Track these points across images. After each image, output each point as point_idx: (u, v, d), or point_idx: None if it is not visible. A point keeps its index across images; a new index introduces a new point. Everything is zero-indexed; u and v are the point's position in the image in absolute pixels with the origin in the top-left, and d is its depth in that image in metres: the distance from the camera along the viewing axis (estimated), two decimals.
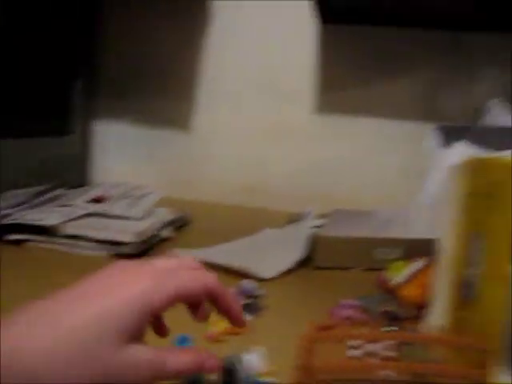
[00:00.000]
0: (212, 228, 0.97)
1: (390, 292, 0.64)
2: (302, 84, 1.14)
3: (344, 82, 1.13)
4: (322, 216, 0.89)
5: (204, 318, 0.34)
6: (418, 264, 0.64)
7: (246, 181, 1.18)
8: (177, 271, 0.32)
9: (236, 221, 1.06)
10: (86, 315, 0.28)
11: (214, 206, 1.16)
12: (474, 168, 0.49)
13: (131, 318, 0.28)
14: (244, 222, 1.05)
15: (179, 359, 0.31)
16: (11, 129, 0.94)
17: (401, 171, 1.10)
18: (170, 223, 0.90)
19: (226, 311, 0.34)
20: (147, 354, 0.29)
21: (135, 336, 0.29)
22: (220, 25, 1.16)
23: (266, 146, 1.17)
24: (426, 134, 0.98)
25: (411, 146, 1.09)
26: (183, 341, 0.44)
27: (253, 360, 0.37)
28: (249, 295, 0.57)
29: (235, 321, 0.35)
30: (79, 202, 0.86)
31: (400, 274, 0.64)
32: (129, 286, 0.29)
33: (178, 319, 0.36)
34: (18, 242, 0.77)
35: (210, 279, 0.33)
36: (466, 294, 0.47)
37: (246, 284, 0.58)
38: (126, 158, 1.23)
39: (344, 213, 0.77)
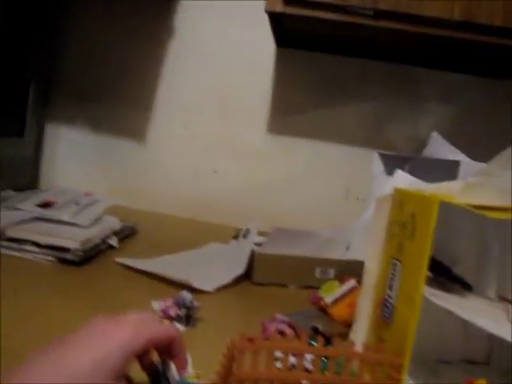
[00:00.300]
0: (159, 239, 0.99)
1: (322, 310, 0.68)
2: (256, 103, 1.19)
3: (295, 104, 1.18)
4: (264, 233, 0.93)
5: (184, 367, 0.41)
6: (348, 284, 0.68)
7: (195, 194, 1.21)
8: (149, 322, 0.39)
9: (183, 233, 1.08)
10: (84, 360, 0.33)
11: (163, 217, 1.18)
12: (397, 199, 0.54)
13: (121, 359, 0.34)
14: (191, 234, 1.07)
15: None
16: None
17: (344, 194, 1.16)
18: (117, 232, 0.91)
19: (176, 355, 0.40)
20: None
21: (122, 375, 0.35)
22: (181, 40, 1.19)
23: (218, 161, 1.21)
24: (370, 160, 1.04)
25: (355, 171, 1.15)
26: None
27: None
28: (185, 306, 0.60)
29: (181, 364, 0.41)
30: (27, 205, 0.86)
31: (332, 293, 0.68)
32: (114, 335, 0.36)
33: None
34: None
35: (174, 331, 0.41)
36: (384, 315, 0.52)
37: (183, 295, 0.60)
38: (77, 163, 1.23)
39: (284, 231, 0.81)
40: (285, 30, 1.02)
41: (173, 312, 0.60)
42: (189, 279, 0.71)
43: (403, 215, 0.51)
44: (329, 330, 0.60)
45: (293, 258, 0.79)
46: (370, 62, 1.15)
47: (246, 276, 0.80)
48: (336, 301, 0.67)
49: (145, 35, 1.19)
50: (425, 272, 0.46)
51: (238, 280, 0.78)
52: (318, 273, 0.79)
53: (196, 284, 0.71)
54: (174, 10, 1.18)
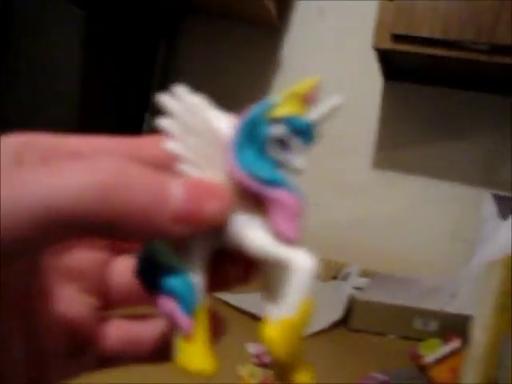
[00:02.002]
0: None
1: (421, 368, 0.65)
2: (361, 138, 1.16)
3: (402, 139, 1.14)
4: (365, 274, 0.90)
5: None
6: (452, 345, 0.64)
7: None
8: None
9: None
10: None
11: None
12: (508, 268, 0.50)
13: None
14: None
15: None
16: None
17: (450, 236, 1.09)
18: None
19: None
20: None
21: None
22: (287, 71, 1.21)
23: (320, 194, 1.20)
24: (480, 201, 0.98)
25: (463, 211, 1.08)
26: None
27: None
28: None
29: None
30: None
31: (433, 352, 0.65)
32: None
33: None
34: None
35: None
36: None
37: None
38: None
39: (384, 278, 0.79)
40: (393, 64, 1.00)
41: (267, 359, 0.61)
42: None
43: None
44: None
45: (392, 307, 0.77)
46: (483, 96, 1.08)
47: (342, 320, 0.78)
48: (437, 362, 0.63)
49: (253, 64, 1.22)
50: None
51: (334, 324, 0.77)
52: (418, 324, 0.76)
53: None
54: (282, 41, 1.20)
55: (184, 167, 0.16)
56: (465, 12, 0.80)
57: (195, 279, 0.16)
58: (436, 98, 1.10)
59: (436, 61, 0.88)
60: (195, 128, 0.16)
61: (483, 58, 0.82)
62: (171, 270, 0.15)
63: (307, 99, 0.16)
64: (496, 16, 0.79)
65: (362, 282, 0.86)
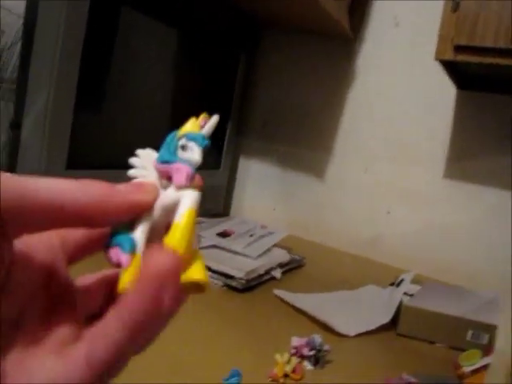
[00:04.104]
0: (323, 274, 1.05)
1: (460, 377, 0.65)
2: (434, 148, 1.15)
3: (474, 149, 1.11)
4: (418, 281, 0.91)
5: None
6: (491, 357, 0.64)
7: (366, 232, 1.23)
8: None
9: (348, 269, 1.12)
10: None
11: (333, 252, 1.23)
12: None
13: None
14: (355, 272, 1.10)
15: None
16: None
17: None
18: (284, 264, 1.00)
19: None
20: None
21: None
22: (361, 82, 1.24)
23: (392, 203, 1.21)
24: None
25: None
26: (233, 375, 0.54)
27: None
28: (314, 348, 0.65)
29: None
30: (208, 233, 1.02)
31: (472, 362, 0.65)
32: None
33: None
34: None
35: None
36: None
37: (314, 338, 0.65)
38: (262, 195, 1.37)
39: (437, 286, 0.79)
40: (463, 73, 0.99)
41: (305, 351, 0.66)
42: (331, 321, 0.76)
43: None
44: None
45: (443, 316, 0.77)
46: None
47: (394, 326, 0.80)
48: (475, 372, 0.63)
49: (328, 76, 1.26)
50: None
51: (384, 328, 0.79)
52: (469, 336, 0.75)
53: (337, 327, 0.75)
54: (357, 52, 1.23)
55: (136, 176, 0.26)
56: None
57: (135, 236, 0.24)
58: (508, 107, 1.06)
59: (504, 70, 0.86)
60: (144, 165, 0.26)
61: None
62: (119, 233, 0.24)
63: (201, 124, 0.27)
64: None
65: (414, 288, 0.86)
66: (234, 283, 0.87)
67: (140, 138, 1.03)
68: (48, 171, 0.81)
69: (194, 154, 0.26)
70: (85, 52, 0.81)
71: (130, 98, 0.99)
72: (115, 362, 0.21)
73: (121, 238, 0.24)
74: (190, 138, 0.26)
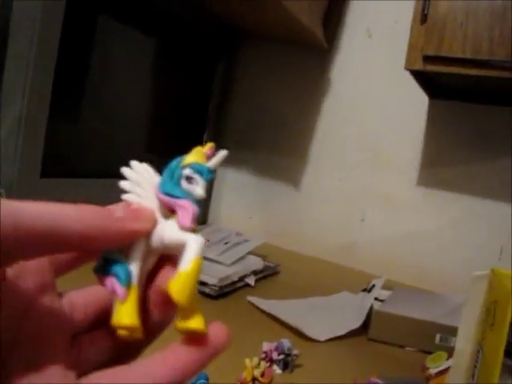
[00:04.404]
0: (297, 281, 1.06)
1: (427, 379, 0.66)
2: (407, 156, 1.18)
3: (447, 157, 1.13)
4: (389, 287, 0.92)
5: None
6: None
7: (341, 239, 1.25)
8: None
9: (322, 276, 1.13)
10: None
11: (307, 259, 1.24)
12: (493, 280, 0.51)
13: None
14: (329, 278, 1.11)
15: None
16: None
17: (496, 256, 1.07)
18: (258, 272, 1.01)
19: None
20: None
21: None
22: (336, 92, 1.25)
23: (366, 210, 1.22)
24: None
25: (505, 230, 1.06)
26: (200, 378, 0.54)
27: None
28: (283, 352, 0.65)
29: None
30: None
31: (438, 364, 0.66)
32: None
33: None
34: None
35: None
36: None
37: (283, 342, 0.66)
38: (239, 203, 1.37)
39: (408, 291, 0.80)
40: (433, 83, 1.01)
41: (274, 355, 0.66)
42: (302, 327, 0.76)
43: (490, 301, 0.49)
44: None
45: (412, 320, 0.78)
46: None
47: (365, 331, 0.81)
48: (440, 373, 0.64)
49: (303, 85, 1.28)
50: (498, 369, 0.44)
51: (355, 333, 0.80)
52: (437, 339, 0.76)
53: (308, 332, 0.76)
54: (331, 62, 1.25)
55: (132, 200, 0.25)
56: (495, 31, 0.80)
57: (131, 267, 0.23)
58: (481, 115, 1.09)
59: (473, 80, 0.88)
60: (140, 182, 0.25)
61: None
62: (115, 262, 0.23)
63: (207, 154, 0.26)
64: None
65: (384, 294, 0.88)
66: (207, 290, 0.87)
67: (115, 147, 1.03)
68: (22, 180, 0.81)
69: (199, 188, 0.24)
70: (60, 60, 0.82)
71: (106, 106, 1.00)
72: None
73: (117, 269, 0.23)
74: (196, 169, 0.25)
